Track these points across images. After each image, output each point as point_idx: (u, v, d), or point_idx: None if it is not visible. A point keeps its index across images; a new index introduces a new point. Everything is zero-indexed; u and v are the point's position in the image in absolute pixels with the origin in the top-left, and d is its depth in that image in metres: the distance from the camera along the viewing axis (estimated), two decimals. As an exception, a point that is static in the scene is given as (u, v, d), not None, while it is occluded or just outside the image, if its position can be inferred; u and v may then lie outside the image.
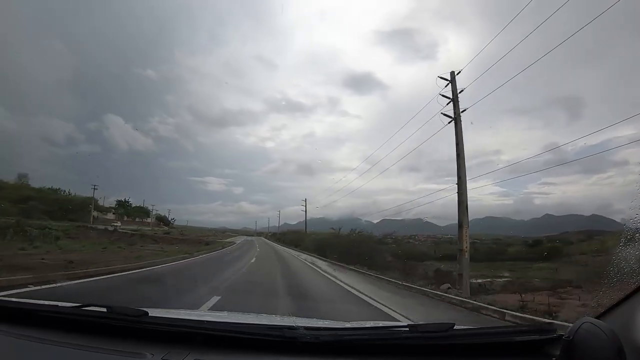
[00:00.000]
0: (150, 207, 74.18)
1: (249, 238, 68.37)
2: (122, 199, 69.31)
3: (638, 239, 1.16)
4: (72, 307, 1.27)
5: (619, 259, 1.15)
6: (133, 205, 70.76)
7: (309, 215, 48.36)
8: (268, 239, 68.25)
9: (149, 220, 72.19)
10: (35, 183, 54.56)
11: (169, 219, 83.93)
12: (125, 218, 65.18)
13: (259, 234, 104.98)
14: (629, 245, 1.15)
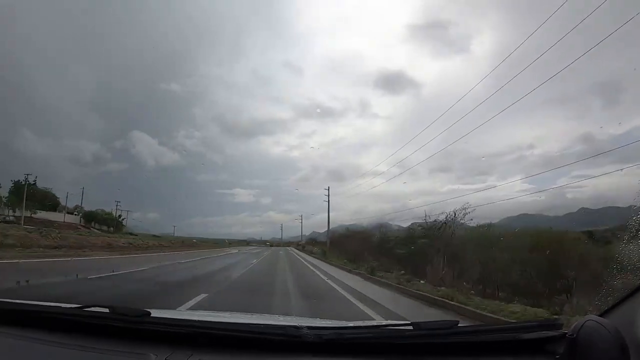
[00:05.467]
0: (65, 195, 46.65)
1: (243, 251, 34.99)
2: (22, 179, 41.27)
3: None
4: (74, 308, 1.27)
5: (622, 256, 1.15)
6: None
7: (337, 222, 32.81)
8: (304, 253, 39.66)
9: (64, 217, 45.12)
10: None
11: (121, 219, 54.37)
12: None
13: (288, 243, 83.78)
14: (632, 242, 1.15)
